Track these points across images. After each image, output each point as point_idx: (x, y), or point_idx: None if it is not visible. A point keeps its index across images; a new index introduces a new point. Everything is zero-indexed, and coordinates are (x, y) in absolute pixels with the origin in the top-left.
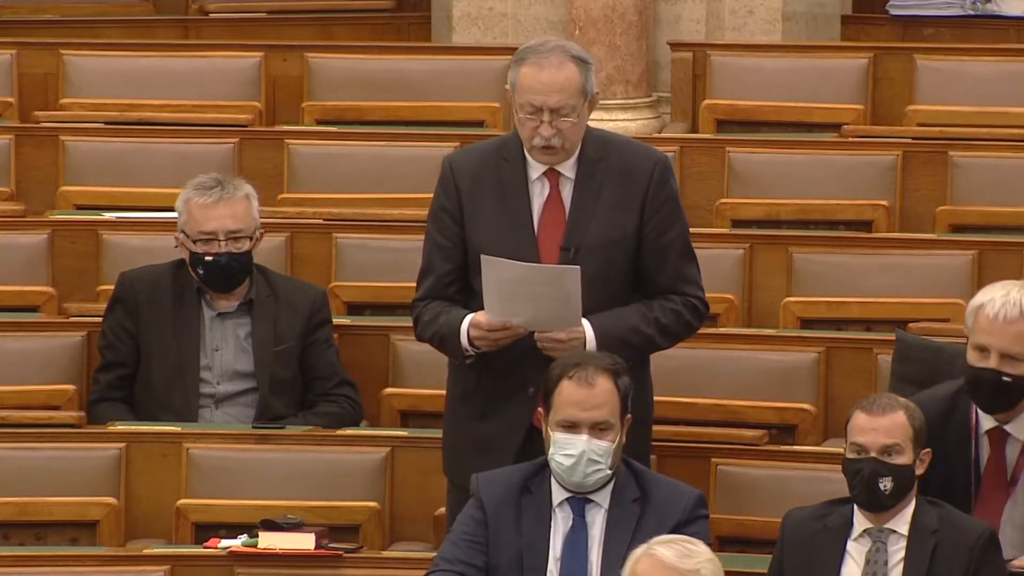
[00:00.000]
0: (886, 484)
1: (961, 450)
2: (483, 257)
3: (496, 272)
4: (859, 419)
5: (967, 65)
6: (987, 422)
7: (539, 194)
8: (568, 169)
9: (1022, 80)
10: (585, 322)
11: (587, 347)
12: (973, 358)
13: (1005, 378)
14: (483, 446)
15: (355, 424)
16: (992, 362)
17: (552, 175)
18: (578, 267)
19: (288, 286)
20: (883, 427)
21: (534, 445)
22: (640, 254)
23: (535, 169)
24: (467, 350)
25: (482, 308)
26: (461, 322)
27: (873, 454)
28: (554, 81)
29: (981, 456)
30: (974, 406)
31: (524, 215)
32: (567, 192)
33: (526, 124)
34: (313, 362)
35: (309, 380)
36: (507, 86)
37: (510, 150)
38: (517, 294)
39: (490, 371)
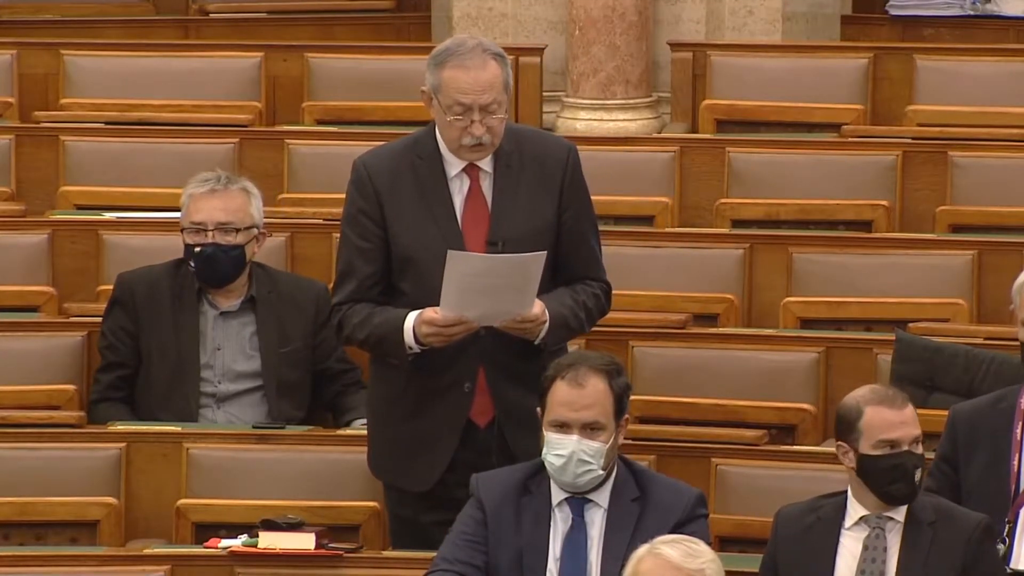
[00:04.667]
0: (919, 474)
1: (1005, 433)
2: (450, 252)
3: (460, 266)
4: (885, 414)
5: (967, 65)
6: None
7: (459, 190)
8: (486, 163)
9: (1022, 80)
10: (541, 303)
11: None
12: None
13: None
14: (419, 445)
15: None
16: None
17: (472, 170)
18: (544, 252)
19: (290, 283)
20: (910, 419)
21: (472, 441)
22: (559, 241)
23: (453, 166)
24: (411, 348)
25: (406, 307)
26: (403, 320)
27: (906, 447)
28: (481, 80)
29: None
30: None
31: (447, 212)
32: (487, 186)
33: (454, 125)
34: (329, 355)
35: (333, 374)
36: (424, 88)
37: (423, 148)
38: (477, 287)
39: (421, 371)
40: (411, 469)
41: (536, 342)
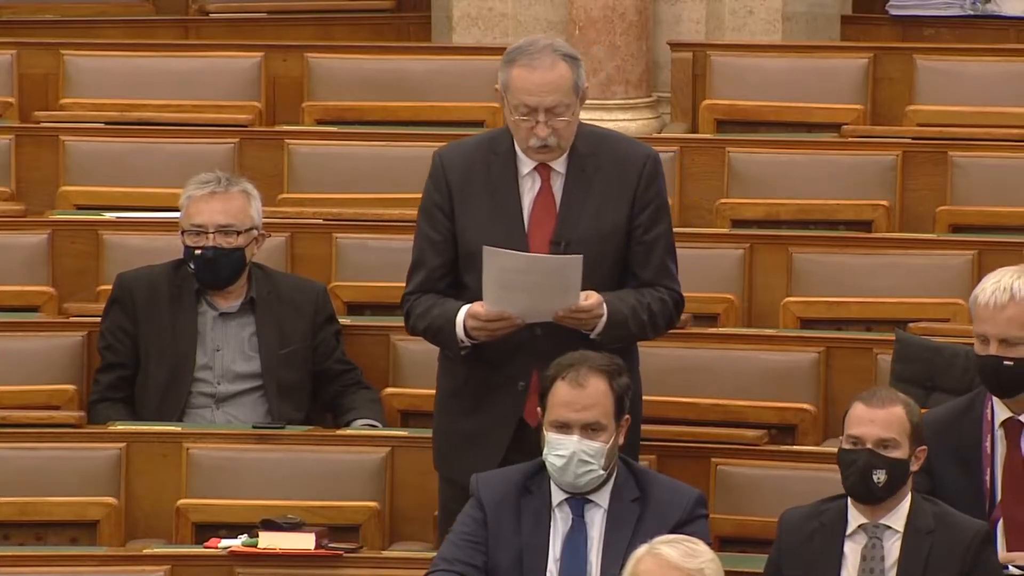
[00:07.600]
0: (879, 476)
1: (976, 446)
2: (485, 248)
3: (498, 262)
4: (858, 410)
5: (967, 65)
6: (1002, 413)
7: (530, 189)
8: (559, 164)
9: (1022, 80)
10: (599, 297)
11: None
12: (977, 348)
13: (1006, 363)
14: (472, 441)
15: None
16: (992, 349)
17: (543, 170)
18: (580, 256)
19: (289, 283)
20: (880, 420)
21: (524, 440)
22: (628, 248)
23: (526, 164)
24: (463, 341)
25: (469, 301)
26: (456, 313)
27: (869, 446)
28: (547, 81)
29: (997, 451)
30: (990, 403)
31: (514, 210)
32: (558, 186)
33: (521, 125)
34: (329, 356)
35: (333, 375)
36: (497, 86)
37: (500, 145)
38: (517, 284)
39: (480, 366)
40: (465, 463)
41: (592, 336)
